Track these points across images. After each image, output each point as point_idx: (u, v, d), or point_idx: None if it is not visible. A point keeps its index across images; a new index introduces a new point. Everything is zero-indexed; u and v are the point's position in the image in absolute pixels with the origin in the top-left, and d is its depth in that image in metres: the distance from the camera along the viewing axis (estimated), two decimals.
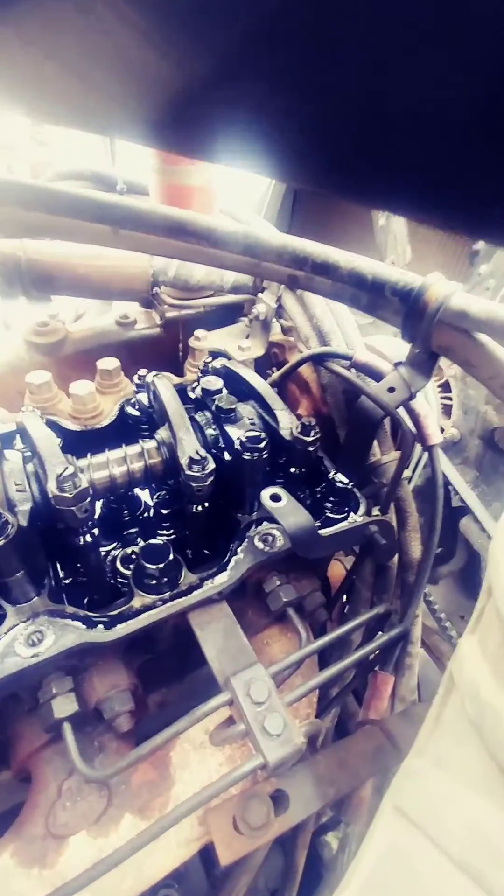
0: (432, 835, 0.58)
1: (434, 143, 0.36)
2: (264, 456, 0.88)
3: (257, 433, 0.88)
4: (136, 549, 0.99)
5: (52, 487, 0.71)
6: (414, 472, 1.58)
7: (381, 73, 0.30)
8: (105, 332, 1.39)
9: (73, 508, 0.71)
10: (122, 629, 0.75)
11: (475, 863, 0.52)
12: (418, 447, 1.20)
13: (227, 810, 0.73)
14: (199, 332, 1.37)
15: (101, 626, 0.75)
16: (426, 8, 0.24)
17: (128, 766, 0.69)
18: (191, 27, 0.34)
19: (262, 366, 1.43)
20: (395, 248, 1.98)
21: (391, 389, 1.05)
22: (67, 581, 0.89)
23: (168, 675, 1.05)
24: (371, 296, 0.92)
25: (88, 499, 0.72)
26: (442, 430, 1.85)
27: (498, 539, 0.67)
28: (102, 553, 0.99)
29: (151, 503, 1.04)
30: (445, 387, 1.91)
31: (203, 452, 0.82)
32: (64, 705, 0.73)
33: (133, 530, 1.02)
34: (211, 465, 0.81)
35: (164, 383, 0.98)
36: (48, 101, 0.51)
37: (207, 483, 0.81)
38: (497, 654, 0.63)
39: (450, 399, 1.87)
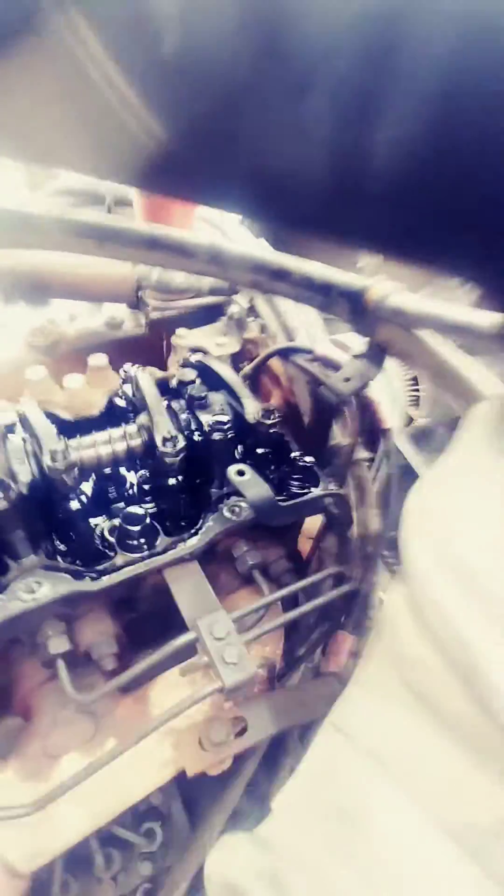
0: (359, 742, 0.71)
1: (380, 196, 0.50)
2: (229, 436, 1.02)
3: (224, 417, 1.02)
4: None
5: (46, 460, 0.85)
6: (382, 459, 1.71)
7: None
8: (95, 334, 1.53)
9: (63, 477, 0.85)
10: (107, 580, 0.89)
11: (396, 762, 0.65)
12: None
13: (193, 731, 0.86)
14: (180, 331, 1.51)
15: (88, 579, 0.89)
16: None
17: (109, 690, 0.83)
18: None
19: (238, 361, 1.56)
20: None
21: (347, 379, 1.19)
22: (62, 548, 1.03)
23: (151, 639, 1.18)
24: (322, 297, 1.06)
25: (76, 468, 0.86)
26: (412, 421, 1.98)
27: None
28: (92, 525, 1.13)
29: (135, 482, 1.18)
30: (416, 380, 2.05)
31: (174, 431, 0.96)
32: (58, 644, 0.86)
33: (119, 505, 1.16)
34: (181, 443, 0.95)
35: (144, 375, 1.12)
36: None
37: (179, 458, 0.95)
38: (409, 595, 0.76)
39: (419, 391, 2.01)
